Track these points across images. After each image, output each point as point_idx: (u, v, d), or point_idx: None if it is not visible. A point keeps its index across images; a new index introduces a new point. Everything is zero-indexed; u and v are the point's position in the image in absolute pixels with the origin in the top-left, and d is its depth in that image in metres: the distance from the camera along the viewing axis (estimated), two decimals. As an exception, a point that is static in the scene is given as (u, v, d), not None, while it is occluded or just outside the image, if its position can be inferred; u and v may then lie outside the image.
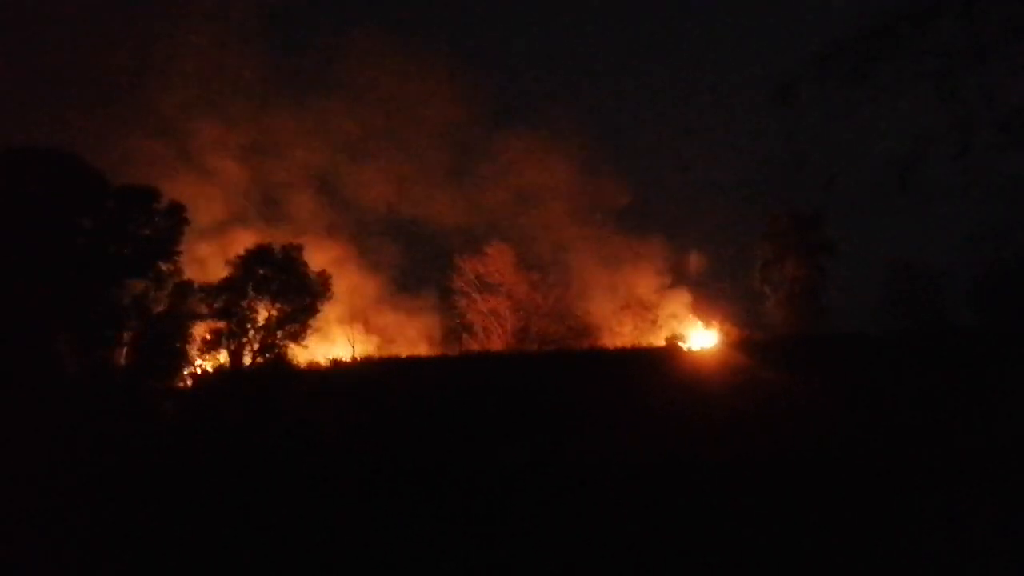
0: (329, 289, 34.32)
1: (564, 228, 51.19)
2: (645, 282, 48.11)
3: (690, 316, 46.42)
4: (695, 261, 48.87)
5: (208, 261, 39.32)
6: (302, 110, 54.24)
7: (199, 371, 32.38)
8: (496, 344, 46.49)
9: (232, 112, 52.75)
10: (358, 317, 45.09)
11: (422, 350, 45.44)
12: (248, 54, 54.44)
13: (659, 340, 43.12)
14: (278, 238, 35.23)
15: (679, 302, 47.03)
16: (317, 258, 35.78)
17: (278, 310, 32.90)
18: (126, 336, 30.07)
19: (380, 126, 56.42)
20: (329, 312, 36.26)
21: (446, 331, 48.73)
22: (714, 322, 45.49)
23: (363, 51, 54.57)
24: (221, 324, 32.27)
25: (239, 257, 33.02)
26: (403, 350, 43.86)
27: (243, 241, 36.08)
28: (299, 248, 34.07)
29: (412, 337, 47.63)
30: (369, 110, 55.58)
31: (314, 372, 34.67)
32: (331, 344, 40.78)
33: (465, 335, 47.97)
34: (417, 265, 52.87)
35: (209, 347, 32.37)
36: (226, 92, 54.76)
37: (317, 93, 56.84)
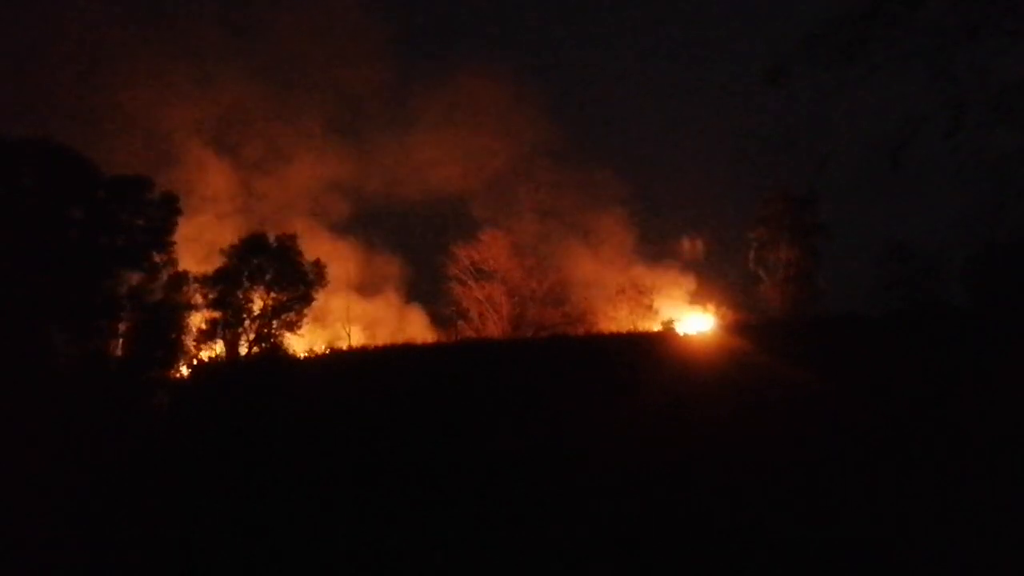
0: (324, 277, 34.36)
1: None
2: (642, 267, 48.34)
3: (685, 300, 46.57)
4: (689, 245, 49.08)
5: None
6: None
7: (195, 361, 32.37)
8: (492, 331, 46.58)
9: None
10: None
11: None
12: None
13: (655, 325, 43.18)
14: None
15: (674, 286, 47.16)
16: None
17: (273, 299, 32.94)
18: (121, 327, 30.06)
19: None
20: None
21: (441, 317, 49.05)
22: (709, 306, 45.63)
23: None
24: (217, 314, 32.30)
25: (233, 247, 33.00)
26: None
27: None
28: (293, 237, 34.09)
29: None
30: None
31: (310, 361, 34.77)
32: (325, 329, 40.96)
33: (461, 322, 48.11)
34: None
35: (205, 337, 32.39)
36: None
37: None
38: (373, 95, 57.37)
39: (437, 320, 48.63)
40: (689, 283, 47.28)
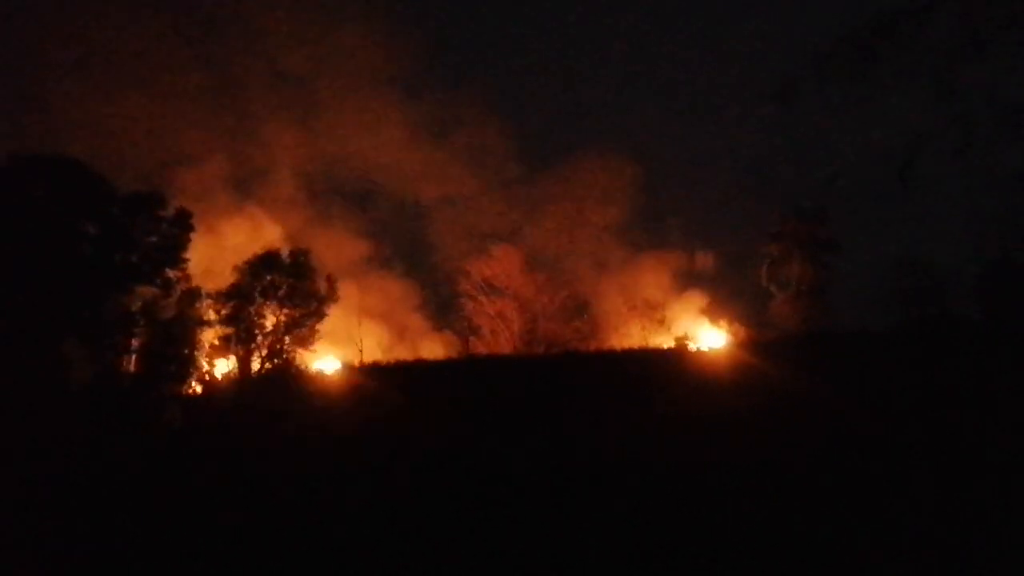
0: (336, 293, 34.46)
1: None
2: (653, 283, 48.19)
3: (698, 316, 46.43)
4: (702, 260, 48.98)
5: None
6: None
7: (208, 377, 32.49)
8: (503, 347, 46.52)
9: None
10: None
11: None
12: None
13: (668, 341, 43.04)
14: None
15: (687, 302, 47.06)
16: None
17: (286, 315, 33.04)
18: (135, 343, 30.25)
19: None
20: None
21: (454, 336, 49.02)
22: (722, 322, 45.49)
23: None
24: (229, 330, 32.43)
25: (247, 263, 33.14)
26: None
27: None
28: (306, 252, 34.23)
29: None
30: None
31: (322, 377, 34.81)
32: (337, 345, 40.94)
33: (472, 338, 48.07)
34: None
35: (217, 353, 32.53)
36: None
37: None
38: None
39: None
40: (702, 299, 47.16)
